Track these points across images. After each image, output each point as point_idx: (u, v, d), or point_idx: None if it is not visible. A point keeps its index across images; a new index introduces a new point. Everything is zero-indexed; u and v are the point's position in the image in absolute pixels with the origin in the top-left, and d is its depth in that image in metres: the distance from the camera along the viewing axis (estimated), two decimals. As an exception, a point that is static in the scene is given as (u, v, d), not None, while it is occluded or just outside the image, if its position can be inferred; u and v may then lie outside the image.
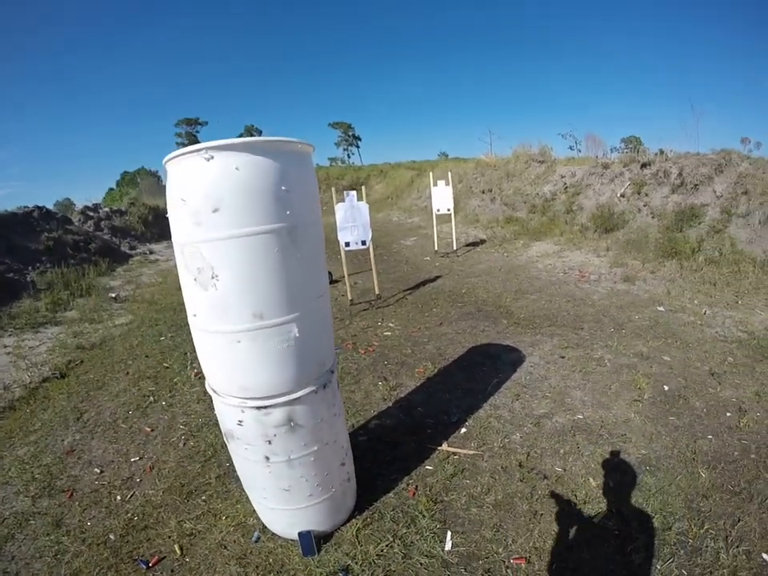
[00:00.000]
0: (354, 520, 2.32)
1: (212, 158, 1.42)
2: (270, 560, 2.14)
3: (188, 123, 52.15)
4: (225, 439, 2.06)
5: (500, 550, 2.11)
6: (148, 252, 10.91)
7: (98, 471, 2.91)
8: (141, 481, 2.80)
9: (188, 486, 2.72)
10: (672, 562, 2.00)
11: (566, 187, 9.40)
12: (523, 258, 7.93)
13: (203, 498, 2.61)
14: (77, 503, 2.63)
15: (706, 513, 2.25)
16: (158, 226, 12.51)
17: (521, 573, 1.98)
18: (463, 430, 3.09)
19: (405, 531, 2.26)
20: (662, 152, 8.40)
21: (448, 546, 2.15)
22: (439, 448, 2.88)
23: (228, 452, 2.89)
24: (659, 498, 2.36)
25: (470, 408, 3.33)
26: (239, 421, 1.82)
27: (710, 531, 2.14)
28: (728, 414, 3.04)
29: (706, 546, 2.06)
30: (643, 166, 7.86)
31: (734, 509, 2.26)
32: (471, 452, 2.84)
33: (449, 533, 2.22)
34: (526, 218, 10.06)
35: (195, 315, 1.68)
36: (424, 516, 2.32)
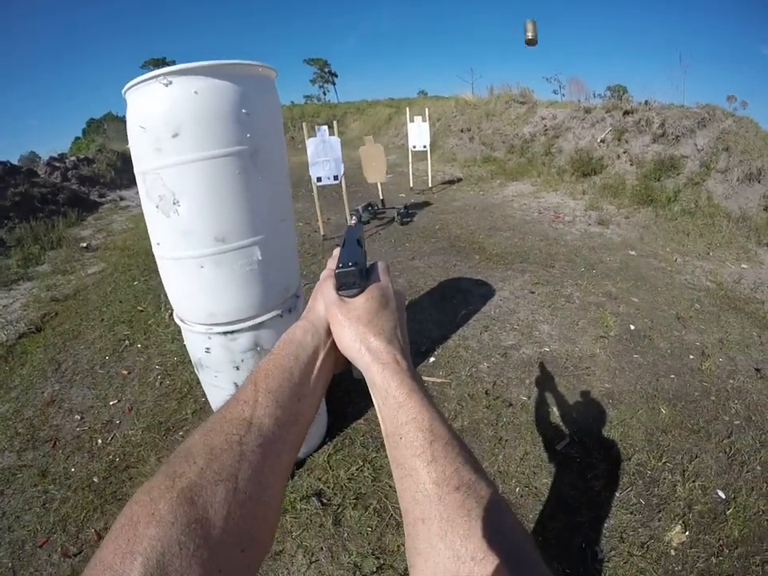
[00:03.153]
0: (325, 446, 2.34)
1: (170, 83, 1.40)
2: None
3: (155, 64, 48.09)
4: (195, 370, 2.04)
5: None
6: (118, 199, 10.47)
7: (79, 418, 2.86)
8: (120, 423, 2.77)
9: (165, 423, 2.71)
10: (630, 490, 2.02)
11: (546, 129, 9.12)
12: (499, 197, 7.77)
13: (180, 433, 2.62)
14: (60, 451, 2.58)
15: (664, 447, 2.27)
16: (127, 172, 11.68)
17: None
18: (432, 359, 3.04)
19: (375, 455, 2.25)
20: (646, 103, 8.20)
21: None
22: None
23: (203, 387, 2.89)
24: (620, 430, 2.37)
25: (439, 339, 3.27)
26: (207, 348, 1.83)
27: (668, 465, 2.16)
28: (691, 357, 3.07)
29: (664, 479, 2.08)
30: (626, 113, 7.64)
31: (692, 445, 2.29)
32: (440, 380, 2.79)
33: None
34: (503, 158, 9.82)
35: (159, 244, 1.66)
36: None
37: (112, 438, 2.63)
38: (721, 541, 1.78)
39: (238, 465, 0.35)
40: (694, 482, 2.05)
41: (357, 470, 2.19)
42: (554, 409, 2.53)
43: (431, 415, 0.41)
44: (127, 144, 1.62)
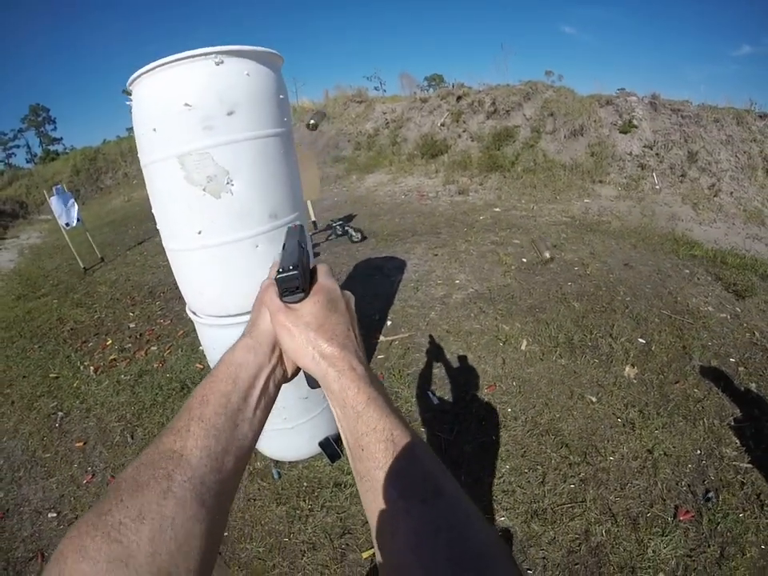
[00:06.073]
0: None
1: (222, 62, 1.41)
2: (305, 484, 2.13)
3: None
4: None
5: (470, 389, 2.53)
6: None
7: (55, 515, 2.34)
8: (111, 496, 2.35)
9: (170, 468, 2.41)
10: (585, 356, 2.64)
11: (388, 123, 9.99)
12: (362, 189, 8.36)
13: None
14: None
15: (590, 326, 2.97)
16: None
17: (497, 395, 2.45)
18: (389, 322, 3.40)
19: (396, 405, 2.52)
20: (462, 85, 9.46)
21: (435, 400, 2.49)
22: (380, 339, 3.15)
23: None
24: (555, 324, 3.03)
25: (383, 306, 3.65)
26: None
27: (599, 335, 2.86)
28: (576, 268, 3.89)
29: (601, 344, 2.75)
30: (459, 98, 8.80)
31: (606, 319, 3.03)
32: (407, 335, 3.17)
33: (429, 393, 2.56)
34: (352, 155, 10.45)
35: (200, 232, 1.58)
36: (403, 389, 2.63)
37: (114, 518, 2.24)
38: (659, 366, 2.49)
39: (163, 501, 0.34)
40: (621, 339, 2.76)
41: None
42: (503, 326, 3.09)
43: (391, 423, 0.40)
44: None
